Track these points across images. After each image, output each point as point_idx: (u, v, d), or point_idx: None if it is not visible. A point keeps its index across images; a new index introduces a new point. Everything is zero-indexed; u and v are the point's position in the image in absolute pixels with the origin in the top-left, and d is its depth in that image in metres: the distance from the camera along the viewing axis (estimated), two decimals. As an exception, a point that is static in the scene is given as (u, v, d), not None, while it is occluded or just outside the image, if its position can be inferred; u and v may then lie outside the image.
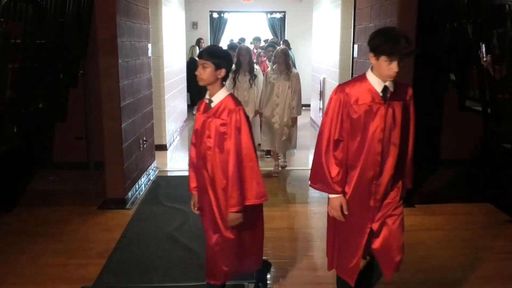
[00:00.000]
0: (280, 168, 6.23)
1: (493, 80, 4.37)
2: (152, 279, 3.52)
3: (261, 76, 6.22)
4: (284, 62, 5.84)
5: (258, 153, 6.78)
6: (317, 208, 5.10)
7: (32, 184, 5.70)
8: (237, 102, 2.81)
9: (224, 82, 2.84)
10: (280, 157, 6.30)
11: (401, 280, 3.53)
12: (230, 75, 5.80)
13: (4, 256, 3.87)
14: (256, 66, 6.30)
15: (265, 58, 8.04)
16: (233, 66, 5.93)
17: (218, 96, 2.78)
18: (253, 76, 6.16)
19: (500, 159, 5.58)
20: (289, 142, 6.12)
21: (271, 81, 5.92)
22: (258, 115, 6.23)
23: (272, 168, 6.20)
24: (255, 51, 9.00)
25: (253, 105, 6.20)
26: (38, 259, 3.82)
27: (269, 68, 6.10)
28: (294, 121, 6.02)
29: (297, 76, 5.95)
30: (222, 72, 2.74)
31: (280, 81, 5.87)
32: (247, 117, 2.77)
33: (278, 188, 5.76)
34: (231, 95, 2.84)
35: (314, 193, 5.70)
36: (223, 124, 2.71)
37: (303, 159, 7.21)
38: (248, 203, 2.73)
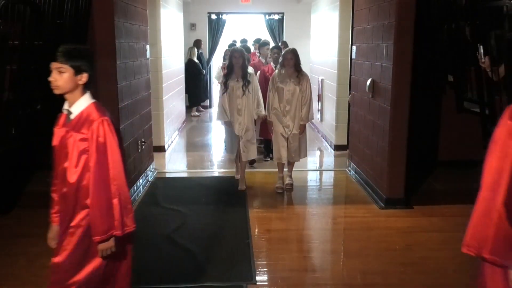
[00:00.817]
0: (285, 185, 5.62)
1: (491, 82, 4.38)
2: (150, 280, 3.52)
3: (255, 79, 5.64)
4: (295, 64, 5.30)
5: (257, 156, 6.91)
6: (315, 209, 5.10)
7: (30, 186, 5.69)
8: (102, 111, 2.33)
9: (86, 90, 2.34)
10: (286, 170, 5.73)
11: (400, 281, 3.54)
12: (221, 79, 5.64)
13: (2, 257, 3.87)
14: (249, 69, 5.65)
15: (256, 56, 8.11)
16: (224, 70, 5.80)
17: (78, 106, 2.33)
18: (246, 82, 5.42)
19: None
20: (298, 153, 5.54)
21: (279, 86, 5.34)
22: (254, 126, 5.71)
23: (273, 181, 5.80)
24: (257, 53, 8.98)
25: (249, 115, 5.52)
26: (36, 261, 3.81)
27: (276, 72, 5.50)
28: (302, 128, 5.43)
29: (307, 79, 5.42)
30: (84, 77, 2.30)
31: (289, 86, 5.32)
32: (116, 129, 2.33)
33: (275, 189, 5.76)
34: (96, 103, 2.36)
35: (312, 195, 5.71)
36: (83, 139, 2.27)
37: (301, 160, 7.20)
38: (115, 233, 2.33)
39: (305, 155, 5.75)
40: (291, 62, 5.28)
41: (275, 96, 5.38)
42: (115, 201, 2.29)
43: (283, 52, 5.58)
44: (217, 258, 3.86)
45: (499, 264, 1.91)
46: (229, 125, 5.57)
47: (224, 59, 8.22)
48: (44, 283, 3.46)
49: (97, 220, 2.27)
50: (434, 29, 5.50)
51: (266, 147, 6.98)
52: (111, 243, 2.34)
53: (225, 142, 5.88)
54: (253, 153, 5.68)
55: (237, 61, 5.40)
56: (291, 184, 5.65)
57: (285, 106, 5.36)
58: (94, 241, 2.30)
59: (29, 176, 5.91)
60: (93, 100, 2.36)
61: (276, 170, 5.71)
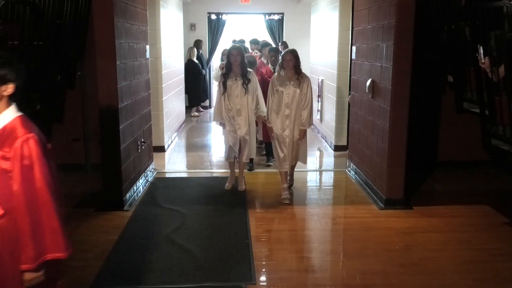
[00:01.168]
0: (288, 190, 5.38)
1: (490, 82, 4.38)
2: (149, 280, 3.52)
3: (255, 79, 5.43)
4: (294, 66, 5.05)
5: (257, 158, 6.91)
6: (315, 210, 5.10)
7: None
8: (29, 126, 2.09)
9: (11, 102, 2.09)
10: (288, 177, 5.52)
11: (399, 282, 3.54)
12: (220, 79, 5.41)
13: None
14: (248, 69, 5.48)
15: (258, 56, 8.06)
16: (222, 69, 5.58)
17: (2, 119, 2.06)
18: (246, 80, 5.25)
19: (498, 161, 5.59)
20: (296, 158, 5.36)
21: (278, 90, 5.10)
22: (254, 125, 5.51)
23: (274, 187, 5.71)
24: (253, 54, 8.98)
25: (246, 114, 5.36)
26: (36, 261, 3.80)
27: (275, 74, 5.25)
28: (302, 134, 5.16)
29: (308, 81, 5.15)
30: (9, 87, 2.06)
31: (289, 89, 5.06)
32: (43, 146, 2.10)
33: (276, 190, 5.76)
34: (23, 117, 2.12)
35: (312, 195, 5.71)
36: (5, 158, 2.01)
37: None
38: (47, 257, 2.10)
39: (305, 162, 5.53)
40: (291, 64, 5.03)
41: (274, 100, 5.14)
42: (45, 222, 2.07)
43: (282, 53, 5.30)
44: (217, 258, 3.86)
45: None
46: (224, 127, 5.45)
47: (222, 59, 8.22)
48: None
49: (26, 246, 2.04)
50: (434, 30, 5.51)
51: (267, 151, 6.79)
52: (39, 273, 2.11)
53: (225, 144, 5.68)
54: (252, 153, 5.60)
55: (235, 59, 5.20)
56: (291, 185, 5.62)
57: (284, 110, 5.10)
58: (21, 270, 2.06)
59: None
60: (19, 114, 2.11)
61: (275, 170, 5.66)
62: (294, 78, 5.08)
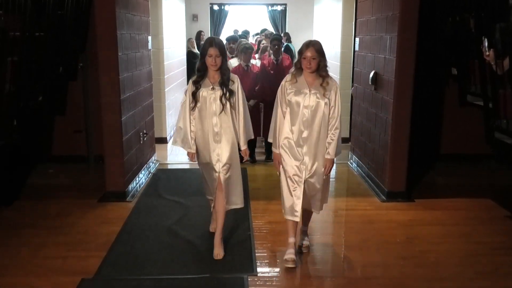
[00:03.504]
0: (297, 247, 3.82)
1: (495, 75, 4.36)
2: (151, 271, 3.53)
3: (240, 87, 3.71)
4: (318, 66, 3.45)
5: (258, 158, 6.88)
6: (317, 202, 5.10)
7: (32, 178, 5.71)
8: None
9: None
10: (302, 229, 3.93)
11: (400, 274, 3.55)
12: (190, 87, 3.70)
13: (5, 248, 3.88)
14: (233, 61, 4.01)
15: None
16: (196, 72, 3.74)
17: None
18: (226, 92, 3.61)
19: (501, 154, 5.57)
20: (320, 200, 3.68)
21: (292, 101, 3.49)
22: (238, 157, 3.79)
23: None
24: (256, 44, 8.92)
25: (231, 142, 3.68)
26: (39, 252, 3.83)
27: (288, 77, 3.57)
28: (330, 166, 3.58)
29: (336, 87, 3.54)
30: None
31: (309, 100, 3.47)
32: None
33: (278, 182, 5.75)
34: None
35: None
36: None
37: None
38: None
39: (320, 209, 3.75)
40: (313, 64, 3.43)
41: (286, 115, 3.57)
42: None
43: (300, 47, 3.52)
44: (219, 250, 3.86)
45: None
46: (194, 158, 3.77)
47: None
48: (46, 273, 3.49)
49: None
50: (438, 21, 5.46)
51: (267, 149, 6.59)
52: None
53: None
54: (237, 199, 3.83)
55: (213, 62, 3.56)
56: (308, 246, 3.91)
57: (301, 130, 3.51)
58: None
59: (30, 168, 5.93)
60: None
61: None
62: (317, 84, 3.49)
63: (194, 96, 3.65)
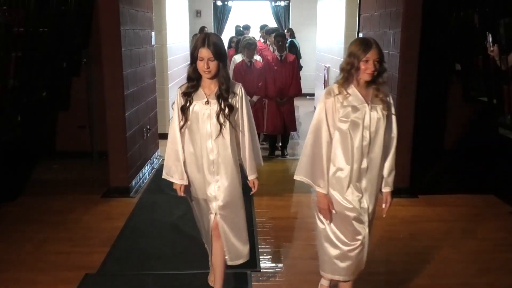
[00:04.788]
0: None
1: (499, 71, 4.34)
2: (155, 267, 3.55)
3: (245, 99, 2.87)
4: (380, 70, 2.57)
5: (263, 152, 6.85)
6: (320, 198, 5.10)
7: (36, 173, 5.73)
8: None
9: None
10: None
11: (403, 270, 3.55)
12: (178, 100, 2.83)
13: (9, 243, 3.90)
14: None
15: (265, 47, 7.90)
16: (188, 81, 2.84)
17: None
18: (225, 107, 2.76)
19: (505, 150, 5.55)
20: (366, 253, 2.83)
21: (348, 120, 2.60)
22: (240, 192, 3.03)
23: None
24: (261, 40, 8.87)
25: (231, 173, 2.89)
26: (42, 247, 3.84)
27: (333, 89, 2.63)
28: (390, 200, 2.93)
29: (391, 99, 2.75)
30: None
31: (369, 117, 2.62)
32: None
33: (281, 178, 5.76)
34: None
35: (317, 183, 5.70)
36: None
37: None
38: None
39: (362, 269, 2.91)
40: (371, 68, 2.53)
41: (337, 143, 2.65)
42: None
43: (353, 48, 2.56)
44: (222, 245, 3.87)
45: None
46: (181, 191, 2.97)
47: (229, 46, 8.12)
48: (50, 269, 3.51)
49: None
50: (442, 17, 5.44)
51: (271, 145, 6.56)
52: None
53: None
54: (240, 250, 2.99)
55: (205, 66, 2.68)
56: None
57: (360, 159, 2.66)
58: None
59: (34, 163, 5.94)
60: None
61: (280, 158, 5.66)
62: (372, 96, 2.64)
63: (183, 112, 2.79)
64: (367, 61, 2.52)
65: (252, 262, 3.59)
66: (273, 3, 11.91)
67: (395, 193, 5.20)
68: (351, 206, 2.68)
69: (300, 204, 4.98)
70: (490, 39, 4.34)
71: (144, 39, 5.65)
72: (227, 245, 2.93)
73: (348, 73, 2.59)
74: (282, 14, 11.97)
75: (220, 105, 2.77)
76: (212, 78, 2.76)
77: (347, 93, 2.61)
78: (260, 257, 3.69)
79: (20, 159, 5.48)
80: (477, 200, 4.91)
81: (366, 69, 2.53)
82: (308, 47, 11.00)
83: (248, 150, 2.92)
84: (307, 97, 10.51)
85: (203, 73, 2.73)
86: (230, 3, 11.78)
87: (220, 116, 2.77)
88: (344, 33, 7.35)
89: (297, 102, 7.12)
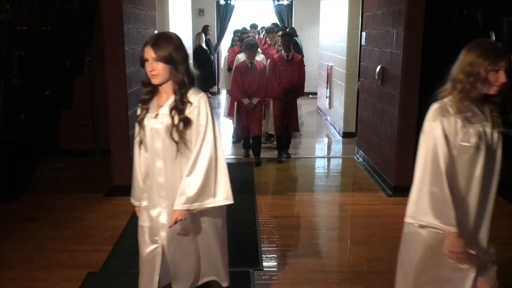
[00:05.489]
0: None
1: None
2: (158, 266, 3.55)
3: (206, 109, 2.38)
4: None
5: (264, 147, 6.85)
6: (323, 196, 5.10)
7: (39, 171, 5.74)
8: None
9: None
10: None
11: (406, 269, 3.53)
12: (140, 112, 2.43)
13: (13, 241, 3.92)
14: (193, 92, 2.34)
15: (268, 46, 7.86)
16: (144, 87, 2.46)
17: None
18: (180, 122, 2.32)
19: (508, 148, 5.53)
20: None
21: (469, 144, 2.17)
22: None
23: None
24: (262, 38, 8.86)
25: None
26: (46, 245, 3.86)
27: (450, 109, 2.19)
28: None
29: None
30: None
31: (491, 138, 2.27)
32: None
33: (284, 176, 5.76)
34: None
35: (319, 182, 5.70)
36: None
37: (309, 147, 7.20)
38: None
39: None
40: (503, 80, 2.15)
41: (456, 172, 2.21)
42: None
43: (474, 53, 2.22)
44: (224, 244, 3.87)
45: None
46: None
47: (232, 44, 8.10)
48: (53, 267, 3.52)
49: None
50: (445, 15, 5.42)
51: (280, 146, 6.32)
52: None
53: None
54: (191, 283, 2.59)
55: (148, 68, 2.32)
56: None
57: (482, 189, 2.27)
58: None
59: (37, 161, 5.96)
60: None
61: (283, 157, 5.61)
62: (491, 113, 2.26)
63: (139, 124, 2.40)
64: (497, 71, 2.09)
65: (255, 260, 3.60)
66: (276, 2, 11.90)
67: (398, 191, 5.22)
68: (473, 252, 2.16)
69: (303, 203, 4.98)
70: (494, 37, 4.32)
71: (147, 37, 5.65)
72: (175, 279, 2.58)
73: (472, 85, 2.10)
74: (284, 13, 11.96)
75: (172, 118, 2.30)
76: (161, 84, 2.33)
77: (464, 109, 2.14)
78: (263, 255, 3.69)
79: (23, 157, 5.50)
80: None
81: (495, 81, 2.09)
82: (311, 45, 10.99)
83: (198, 174, 2.31)
84: (310, 96, 10.51)
85: (150, 77, 2.32)
86: (233, 2, 11.77)
87: (174, 133, 2.30)
88: (347, 32, 7.34)
89: (300, 101, 7.10)
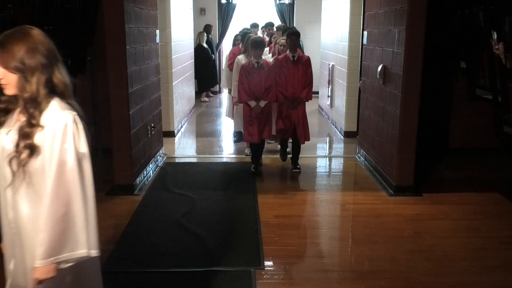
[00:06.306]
0: None
1: (504, 68, 4.32)
2: (159, 264, 3.56)
3: (61, 134, 1.87)
4: None
5: (268, 145, 6.84)
6: (324, 195, 5.10)
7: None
8: None
9: None
10: None
11: (408, 268, 3.54)
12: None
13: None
14: (62, 109, 1.85)
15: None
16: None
17: None
18: (23, 149, 1.83)
19: (510, 148, 5.53)
20: None
21: None
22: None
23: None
24: (267, 38, 8.83)
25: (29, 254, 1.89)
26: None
27: None
28: None
29: None
30: None
31: None
32: None
33: (285, 176, 5.76)
34: None
35: (321, 181, 5.70)
36: None
37: (310, 147, 7.19)
38: None
39: None
40: None
41: None
42: None
43: None
44: (225, 243, 3.88)
45: None
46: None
47: (234, 44, 8.08)
48: (55, 266, 3.52)
49: None
50: (447, 15, 5.42)
51: (282, 151, 6.02)
52: None
53: None
54: None
55: (3, 80, 1.82)
56: None
57: None
58: None
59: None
60: None
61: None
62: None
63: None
64: None
65: (256, 260, 3.60)
66: (278, 1, 11.89)
67: (399, 191, 5.24)
68: None
69: (304, 202, 4.98)
70: (495, 36, 4.31)
71: (148, 37, 5.66)
72: None
73: None
74: (286, 12, 11.95)
75: (17, 143, 1.79)
76: (13, 95, 1.84)
77: None
78: (264, 254, 3.69)
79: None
80: (482, 198, 4.89)
81: None
82: (313, 45, 10.99)
83: (50, 223, 1.83)
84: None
85: (1, 86, 1.84)
86: (234, 1, 11.77)
87: (13, 161, 1.80)
88: (349, 31, 7.33)
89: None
